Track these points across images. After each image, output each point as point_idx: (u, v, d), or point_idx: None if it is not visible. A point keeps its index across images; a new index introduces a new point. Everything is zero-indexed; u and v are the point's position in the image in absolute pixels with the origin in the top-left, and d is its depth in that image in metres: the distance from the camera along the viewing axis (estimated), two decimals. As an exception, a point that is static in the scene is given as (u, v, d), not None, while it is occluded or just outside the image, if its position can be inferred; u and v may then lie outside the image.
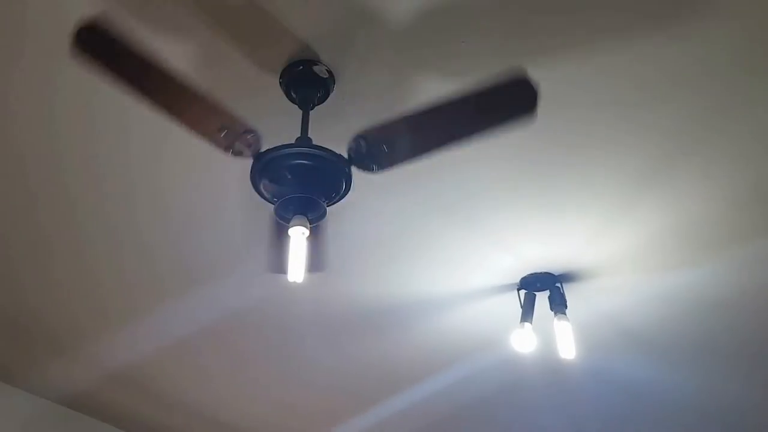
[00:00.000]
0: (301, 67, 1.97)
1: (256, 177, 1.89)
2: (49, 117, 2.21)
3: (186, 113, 1.73)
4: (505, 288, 2.98)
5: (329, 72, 1.99)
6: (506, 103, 1.73)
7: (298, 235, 1.84)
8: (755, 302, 3.00)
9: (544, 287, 2.92)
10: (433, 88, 2.04)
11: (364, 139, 1.82)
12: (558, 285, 2.91)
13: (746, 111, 2.11)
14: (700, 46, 1.91)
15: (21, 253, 2.85)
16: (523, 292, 2.95)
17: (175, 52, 1.94)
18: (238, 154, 1.84)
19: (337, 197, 1.94)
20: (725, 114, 2.13)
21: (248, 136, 1.80)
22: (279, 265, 2.20)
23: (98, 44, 1.56)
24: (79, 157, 2.37)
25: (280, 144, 1.86)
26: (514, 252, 2.78)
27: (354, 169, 1.91)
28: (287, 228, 1.85)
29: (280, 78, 2.00)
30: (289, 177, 1.86)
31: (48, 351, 3.53)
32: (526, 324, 2.84)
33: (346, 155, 1.87)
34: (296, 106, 2.02)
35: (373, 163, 1.87)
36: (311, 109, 2.01)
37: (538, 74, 1.97)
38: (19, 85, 2.10)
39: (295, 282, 1.97)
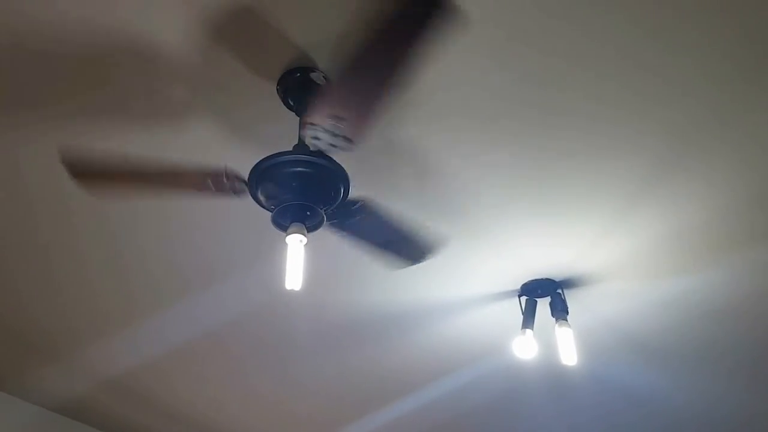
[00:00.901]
0: (299, 75, 1.96)
1: (253, 185, 1.89)
2: (47, 125, 2.21)
3: (175, 187, 1.99)
4: (505, 294, 2.97)
5: (326, 79, 1.98)
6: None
7: (296, 243, 1.83)
8: (757, 308, 2.99)
9: (545, 293, 2.91)
10: (430, 92, 2.04)
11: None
12: (559, 291, 2.90)
13: (746, 116, 2.11)
14: (699, 52, 1.90)
15: (18, 259, 2.84)
16: (524, 298, 2.95)
17: (172, 59, 1.94)
18: (235, 192, 1.95)
19: (335, 205, 1.93)
20: (725, 120, 2.12)
21: (230, 179, 1.92)
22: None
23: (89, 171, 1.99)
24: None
25: (277, 151, 1.86)
26: (514, 258, 2.77)
27: (351, 174, 1.91)
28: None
29: (277, 85, 2.00)
30: (287, 185, 1.85)
31: (43, 357, 3.52)
32: (528, 330, 2.83)
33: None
34: (293, 113, 2.01)
35: (342, 140, 1.79)
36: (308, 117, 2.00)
37: (537, 80, 1.98)
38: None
39: (293, 290, 1.95)
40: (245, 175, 1.90)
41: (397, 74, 1.63)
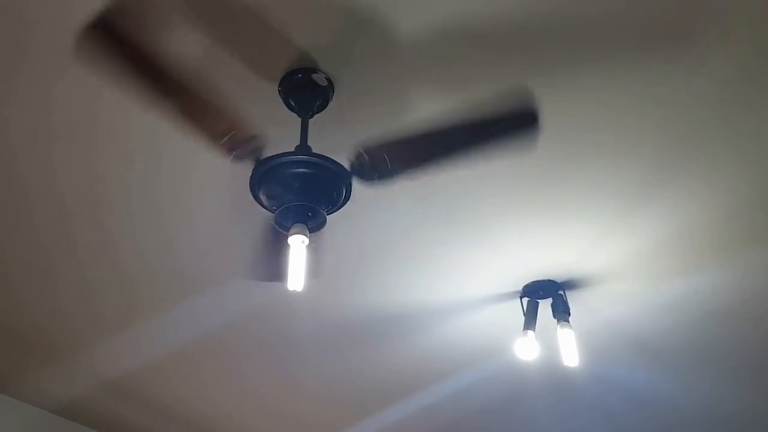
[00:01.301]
0: (300, 75, 1.96)
1: (255, 185, 1.89)
2: (47, 125, 2.21)
3: (191, 115, 1.75)
4: (507, 296, 2.97)
5: (328, 80, 1.98)
6: (508, 130, 1.80)
7: (298, 244, 1.83)
8: (759, 309, 2.99)
9: (547, 295, 2.90)
10: (432, 98, 2.04)
11: (367, 153, 1.84)
12: (561, 292, 2.90)
13: (748, 118, 2.11)
14: (702, 55, 1.90)
15: (18, 261, 2.83)
16: (525, 299, 2.94)
17: (174, 59, 1.93)
18: (238, 159, 1.84)
19: (338, 206, 1.93)
20: (726, 120, 2.12)
21: (251, 143, 1.81)
22: (268, 274, 2.20)
23: (107, 42, 1.57)
24: (77, 165, 2.36)
25: (279, 152, 1.86)
26: (516, 259, 2.77)
27: (354, 179, 1.91)
28: (282, 237, 1.85)
29: (279, 86, 1.99)
30: (289, 185, 1.85)
31: (44, 359, 3.51)
32: (529, 332, 2.82)
33: (347, 166, 1.88)
34: (295, 114, 2.01)
35: (376, 174, 1.89)
36: (310, 118, 2.00)
37: (538, 83, 1.98)
38: (17, 91, 2.09)
39: (295, 291, 1.95)
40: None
41: (459, 161, 1.86)
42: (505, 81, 1.98)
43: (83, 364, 3.55)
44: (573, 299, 2.94)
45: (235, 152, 1.82)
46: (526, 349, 2.82)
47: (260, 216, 2.11)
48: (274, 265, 2.17)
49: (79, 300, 3.08)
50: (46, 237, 2.70)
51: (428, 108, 2.07)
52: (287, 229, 1.85)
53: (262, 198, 1.90)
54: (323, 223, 1.89)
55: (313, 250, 2.06)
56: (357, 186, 1.92)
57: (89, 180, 2.43)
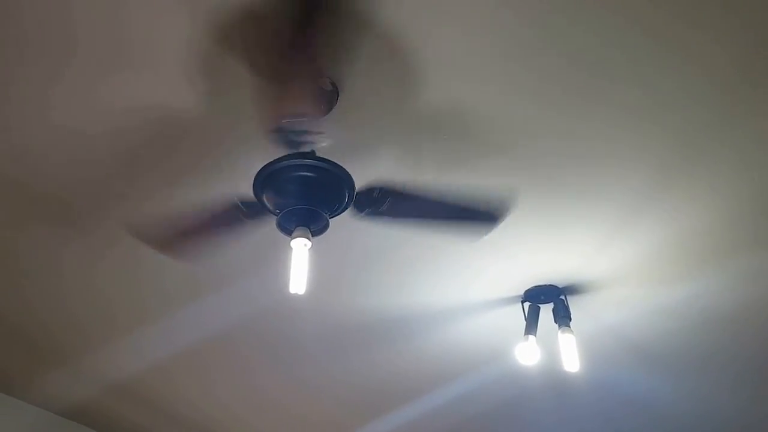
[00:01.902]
0: (306, 80, 1.97)
1: (258, 188, 1.90)
2: (49, 127, 2.22)
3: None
4: (509, 300, 2.97)
5: (333, 85, 2.00)
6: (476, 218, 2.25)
7: (300, 247, 1.85)
8: (761, 315, 2.98)
9: (549, 300, 2.91)
10: (436, 103, 2.05)
11: (380, 191, 1.99)
12: (562, 297, 2.90)
13: (749, 122, 2.10)
14: (703, 57, 1.90)
15: (27, 263, 2.85)
16: (527, 304, 2.95)
17: (177, 63, 1.95)
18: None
19: (340, 209, 1.95)
20: (729, 125, 2.12)
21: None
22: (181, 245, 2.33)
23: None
24: (86, 165, 2.37)
25: (282, 156, 1.87)
26: (518, 264, 2.77)
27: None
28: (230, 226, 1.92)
29: (281, 90, 2.01)
30: (292, 189, 1.87)
31: (51, 361, 3.53)
32: (530, 336, 2.83)
33: (353, 191, 1.96)
34: (300, 118, 2.02)
35: (369, 210, 2.05)
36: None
37: (539, 84, 1.99)
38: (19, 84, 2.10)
39: (296, 294, 1.97)
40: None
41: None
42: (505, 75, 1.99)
43: (91, 367, 3.57)
44: (574, 304, 2.94)
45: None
46: (527, 353, 2.82)
47: (266, 218, 2.12)
48: (193, 241, 2.30)
49: (88, 302, 3.10)
50: (57, 240, 2.71)
51: (431, 113, 2.08)
52: (290, 233, 1.86)
53: (266, 201, 1.92)
54: (326, 226, 1.90)
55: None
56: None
57: (100, 182, 2.43)
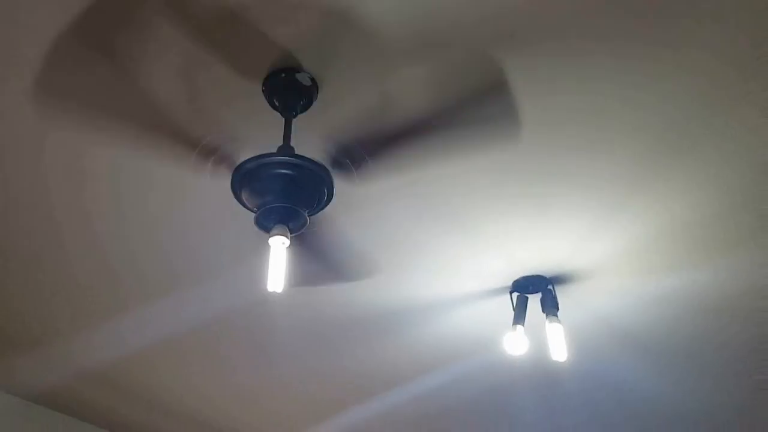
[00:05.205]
0: (284, 75, 1.96)
1: (236, 186, 1.90)
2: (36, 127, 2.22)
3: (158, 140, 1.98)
4: (497, 291, 2.97)
5: (312, 80, 1.98)
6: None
7: (278, 245, 1.85)
8: (749, 306, 2.98)
9: (536, 290, 2.91)
10: (416, 97, 2.03)
11: (344, 149, 1.86)
12: (550, 287, 2.90)
13: (737, 110, 2.09)
14: (689, 47, 1.89)
15: (1, 253, 2.83)
16: (515, 294, 2.95)
17: (156, 60, 1.94)
18: (216, 166, 1.91)
19: (319, 207, 1.94)
20: (716, 113, 2.10)
21: (226, 148, 1.84)
22: None
23: None
24: (63, 161, 2.37)
25: (261, 152, 1.87)
26: (505, 255, 2.77)
27: (339, 180, 1.93)
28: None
29: (262, 86, 1.99)
30: (270, 186, 1.86)
31: (22, 348, 3.47)
32: (518, 326, 2.84)
33: (328, 163, 1.89)
34: (279, 113, 2.01)
35: (353, 168, 2.00)
36: (294, 118, 2.00)
37: (524, 76, 1.97)
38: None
39: (275, 292, 1.96)
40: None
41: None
42: (486, 75, 1.97)
43: (64, 353, 3.51)
44: (562, 294, 2.95)
45: (212, 160, 1.90)
46: (515, 343, 2.83)
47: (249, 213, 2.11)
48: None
49: (64, 291, 3.05)
50: (35, 233, 2.69)
51: (412, 106, 2.07)
52: (268, 230, 1.86)
53: (244, 199, 1.91)
54: (304, 224, 1.90)
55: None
56: (345, 184, 1.93)
57: (78, 178, 2.43)
